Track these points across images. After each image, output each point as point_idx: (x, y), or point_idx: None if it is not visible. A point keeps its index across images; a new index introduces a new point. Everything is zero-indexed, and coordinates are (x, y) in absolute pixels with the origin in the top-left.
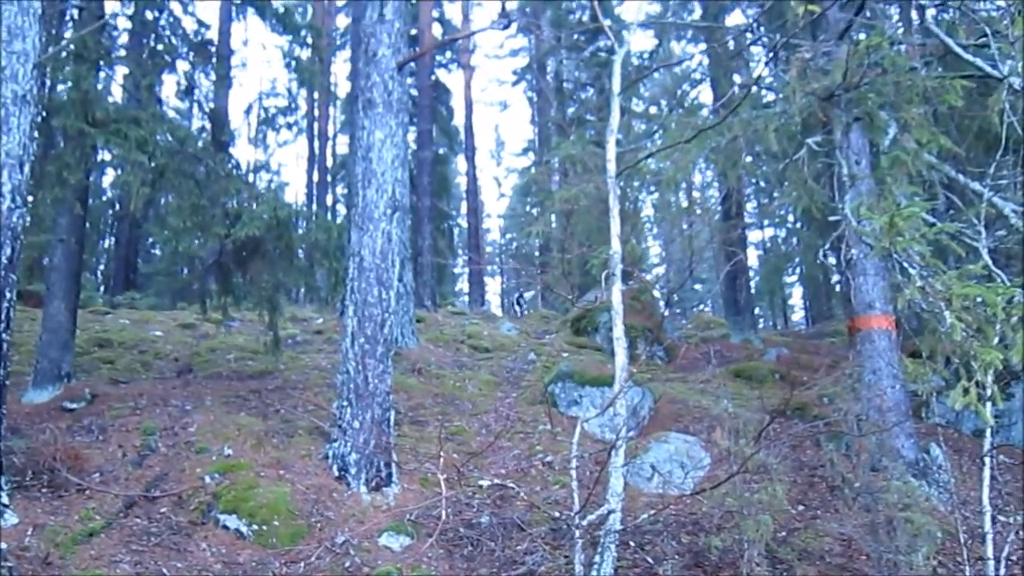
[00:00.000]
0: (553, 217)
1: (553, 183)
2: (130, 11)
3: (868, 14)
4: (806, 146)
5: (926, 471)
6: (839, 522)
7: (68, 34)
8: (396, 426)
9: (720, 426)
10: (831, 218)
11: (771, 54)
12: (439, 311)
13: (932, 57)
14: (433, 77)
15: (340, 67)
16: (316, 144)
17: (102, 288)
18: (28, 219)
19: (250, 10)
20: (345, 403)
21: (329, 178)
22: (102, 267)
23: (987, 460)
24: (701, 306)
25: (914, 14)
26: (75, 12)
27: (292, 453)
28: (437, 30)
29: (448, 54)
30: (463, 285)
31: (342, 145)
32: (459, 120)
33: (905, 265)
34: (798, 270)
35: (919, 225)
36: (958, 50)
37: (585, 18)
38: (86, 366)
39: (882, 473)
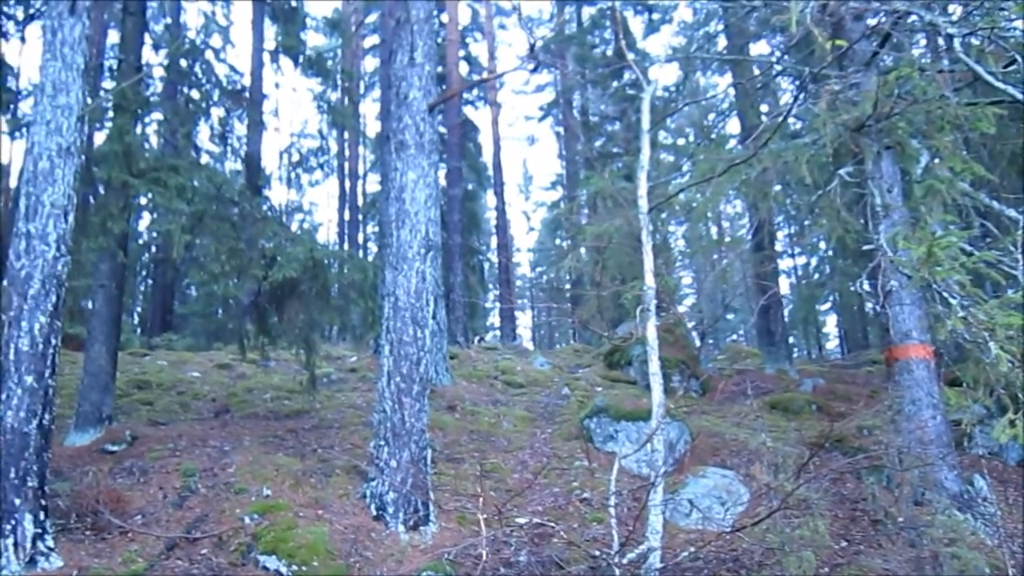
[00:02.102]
0: (583, 251)
1: (582, 216)
2: (165, 60)
3: (894, 39)
4: (838, 177)
5: (971, 504)
6: (883, 557)
7: (106, 83)
8: (432, 464)
9: (759, 460)
10: (865, 247)
11: (799, 87)
12: (471, 347)
13: (961, 83)
14: (461, 115)
15: (369, 107)
16: (347, 183)
17: (139, 330)
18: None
19: (282, 56)
20: (382, 442)
21: (360, 216)
22: (139, 309)
23: None
24: (733, 336)
25: (941, 41)
26: (114, 63)
27: (330, 493)
28: (464, 68)
29: (475, 91)
30: (494, 320)
31: (372, 183)
32: (487, 156)
33: (945, 295)
34: (831, 298)
35: (957, 254)
36: (988, 77)
37: (610, 53)
38: (126, 408)
39: (926, 506)
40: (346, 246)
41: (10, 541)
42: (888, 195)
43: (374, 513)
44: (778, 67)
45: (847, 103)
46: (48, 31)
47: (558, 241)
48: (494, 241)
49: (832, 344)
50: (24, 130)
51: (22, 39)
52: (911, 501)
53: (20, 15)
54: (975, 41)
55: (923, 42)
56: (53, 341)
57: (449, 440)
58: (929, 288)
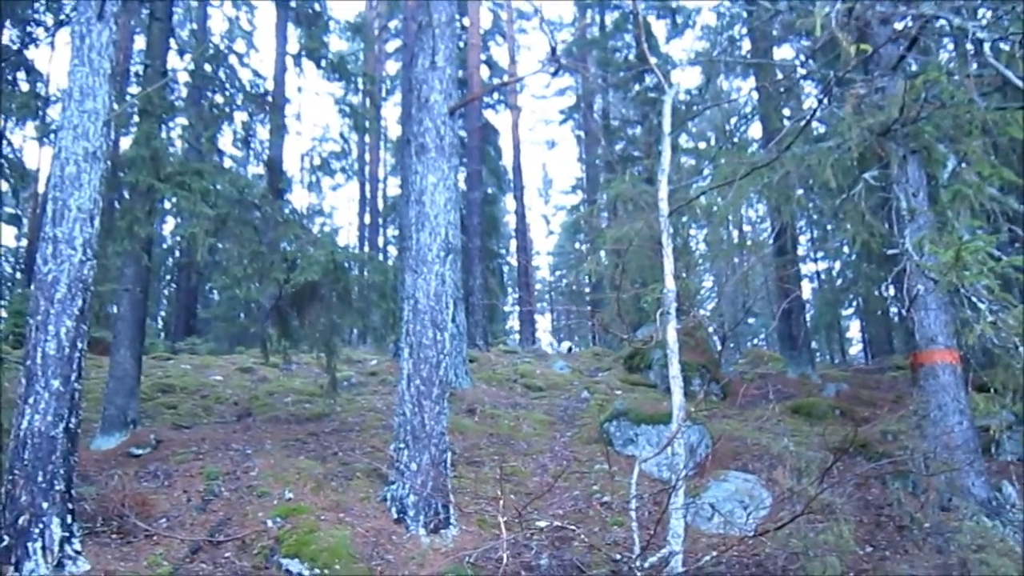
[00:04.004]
0: (603, 254)
1: (603, 220)
2: (190, 65)
3: (921, 44)
4: (863, 181)
5: (999, 510)
6: (910, 563)
7: (132, 89)
8: (452, 467)
9: (782, 465)
10: (889, 252)
11: (824, 91)
12: (491, 350)
13: (990, 88)
14: (481, 119)
15: (390, 111)
16: (367, 187)
17: (163, 334)
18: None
19: (305, 60)
20: (402, 445)
21: (380, 220)
22: (163, 313)
23: None
24: (755, 340)
25: (970, 45)
26: (140, 68)
27: (351, 496)
28: (484, 72)
29: (495, 95)
30: (513, 323)
31: (392, 187)
32: (507, 160)
33: (973, 300)
34: (855, 303)
35: (985, 259)
36: (1018, 82)
37: (632, 57)
38: (150, 412)
39: (953, 512)
40: (366, 249)
41: (38, 544)
42: (914, 199)
43: (395, 516)
44: (802, 71)
45: (873, 107)
46: (76, 36)
47: (578, 245)
48: (513, 245)
49: (855, 349)
50: (52, 136)
51: (51, 46)
52: (938, 507)
53: (50, 21)
54: (1004, 46)
55: (951, 46)
56: (79, 345)
57: (469, 443)
58: (956, 293)
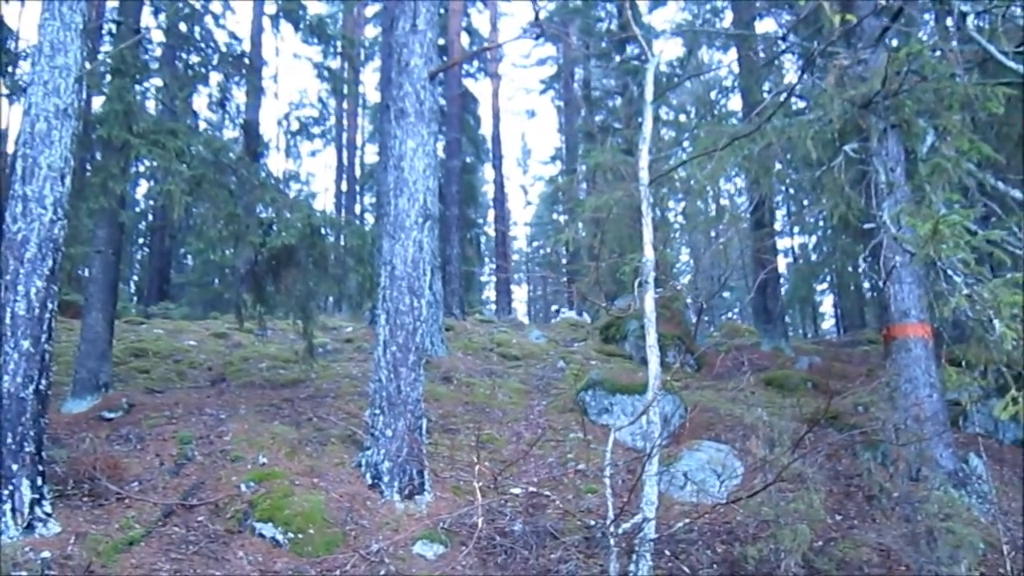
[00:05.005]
0: (581, 225)
1: (580, 191)
2: (165, 25)
3: (903, 19)
4: (843, 153)
5: (965, 481)
6: (877, 532)
7: (105, 47)
8: (427, 434)
9: (754, 435)
10: (866, 226)
11: (806, 62)
12: (467, 319)
13: (972, 63)
14: (461, 87)
15: (369, 77)
16: (344, 154)
17: (136, 299)
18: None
19: (283, 21)
20: (378, 411)
21: (357, 187)
22: (135, 278)
23: None
24: (730, 313)
25: (949, 20)
26: (113, 26)
27: (326, 461)
28: (465, 39)
29: (476, 63)
30: (490, 293)
31: (370, 155)
32: (486, 129)
33: (949, 272)
34: (829, 278)
35: (961, 232)
36: (1000, 57)
37: (614, 27)
38: (123, 376)
39: (921, 483)
40: (344, 216)
41: (8, 507)
42: (892, 173)
43: (369, 482)
44: (784, 44)
45: (855, 79)
46: None
47: (556, 216)
48: (491, 214)
49: (828, 324)
50: (22, 93)
51: (21, 1)
52: (906, 477)
53: None
54: (984, 25)
55: (931, 21)
56: (50, 306)
57: (444, 411)
58: (932, 266)
